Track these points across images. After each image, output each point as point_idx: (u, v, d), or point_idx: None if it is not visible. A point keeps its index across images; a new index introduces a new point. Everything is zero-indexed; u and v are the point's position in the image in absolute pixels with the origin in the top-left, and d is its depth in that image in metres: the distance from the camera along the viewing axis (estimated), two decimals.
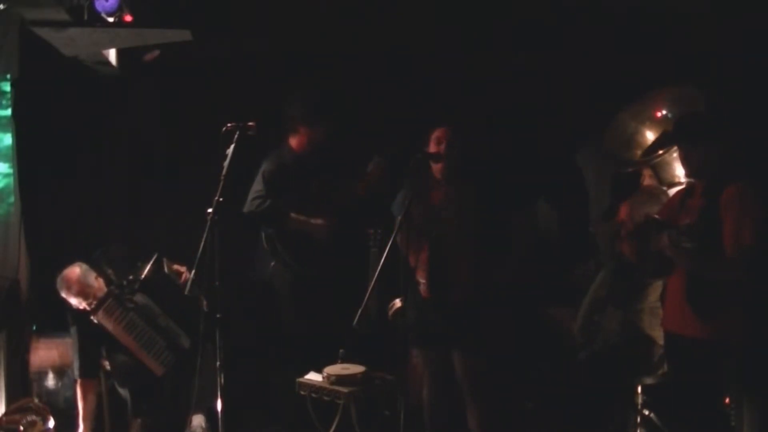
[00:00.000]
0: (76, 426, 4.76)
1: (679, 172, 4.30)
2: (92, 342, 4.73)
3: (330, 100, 4.98)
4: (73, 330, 4.76)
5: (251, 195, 4.77)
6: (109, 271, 4.78)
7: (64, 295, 4.65)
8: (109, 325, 4.64)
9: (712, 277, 3.57)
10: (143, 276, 4.77)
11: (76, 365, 4.76)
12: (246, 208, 4.77)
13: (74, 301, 4.64)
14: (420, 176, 4.06)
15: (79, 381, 4.76)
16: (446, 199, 4.18)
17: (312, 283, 4.82)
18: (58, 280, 4.66)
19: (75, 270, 4.67)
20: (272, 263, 4.89)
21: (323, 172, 4.90)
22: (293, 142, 4.88)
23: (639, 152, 4.58)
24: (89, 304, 4.63)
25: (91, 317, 4.64)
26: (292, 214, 4.77)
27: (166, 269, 4.80)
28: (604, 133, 4.69)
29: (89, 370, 4.75)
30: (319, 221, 4.80)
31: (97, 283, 4.69)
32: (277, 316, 5.00)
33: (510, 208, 4.46)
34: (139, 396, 4.71)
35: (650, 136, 4.58)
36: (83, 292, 4.63)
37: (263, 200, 4.73)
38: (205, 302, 3.92)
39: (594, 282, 4.77)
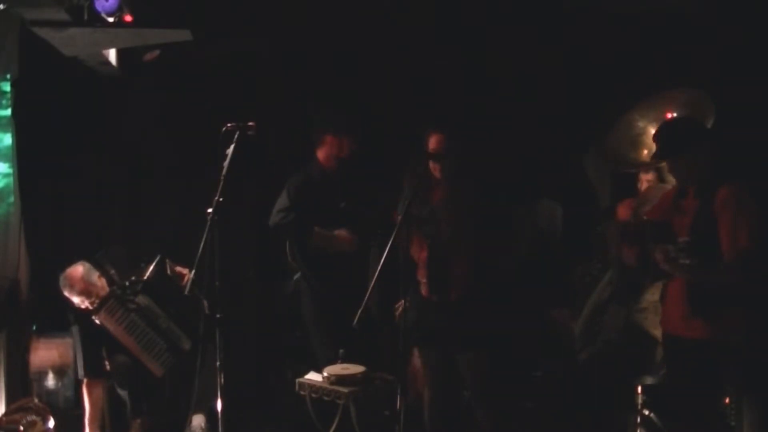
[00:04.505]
0: (82, 427, 4.75)
1: None
2: (94, 341, 4.71)
3: (356, 112, 4.97)
4: (74, 329, 4.76)
5: (276, 207, 4.78)
6: (112, 272, 4.77)
7: (66, 293, 4.64)
8: (110, 326, 4.64)
9: (713, 284, 3.57)
10: (146, 277, 4.77)
11: (80, 365, 4.75)
12: (271, 221, 4.78)
13: (77, 300, 4.63)
14: (420, 176, 4.06)
15: (85, 381, 4.75)
16: (445, 199, 4.18)
17: (333, 302, 4.74)
18: (61, 278, 4.65)
19: (78, 269, 4.66)
20: (295, 276, 4.87)
21: (350, 189, 4.87)
22: (320, 154, 4.85)
23: (645, 152, 4.56)
24: (92, 303, 4.63)
25: (93, 317, 4.63)
26: (317, 228, 4.75)
27: (168, 271, 4.80)
28: (609, 132, 4.67)
29: (94, 370, 4.74)
30: (342, 233, 4.78)
31: (100, 282, 4.68)
32: (300, 328, 5.00)
33: (509, 206, 4.46)
34: (139, 396, 4.71)
35: None
36: (86, 291, 4.63)
37: (287, 213, 4.73)
38: (206, 304, 3.92)
39: (600, 283, 4.75)
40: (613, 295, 4.52)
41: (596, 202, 5.33)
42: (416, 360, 4.61)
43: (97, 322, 4.63)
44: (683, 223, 3.64)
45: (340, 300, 4.66)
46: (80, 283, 4.62)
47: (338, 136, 4.81)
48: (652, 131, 4.48)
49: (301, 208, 4.74)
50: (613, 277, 4.60)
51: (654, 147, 3.79)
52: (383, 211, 4.68)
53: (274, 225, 4.79)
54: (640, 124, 4.56)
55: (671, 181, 4.36)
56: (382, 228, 4.62)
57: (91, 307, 4.63)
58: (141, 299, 4.73)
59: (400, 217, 3.83)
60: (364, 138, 4.91)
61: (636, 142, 4.58)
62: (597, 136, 4.87)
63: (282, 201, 4.79)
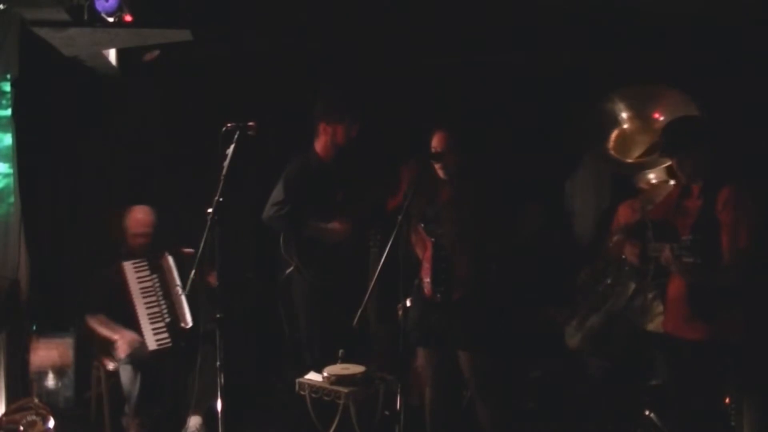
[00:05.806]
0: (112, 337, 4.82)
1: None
2: (105, 291, 4.90)
3: (350, 99, 4.96)
4: (96, 272, 4.97)
5: (271, 200, 4.77)
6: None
7: (126, 222, 4.98)
8: (129, 280, 4.87)
9: (712, 285, 3.58)
10: (183, 250, 5.00)
11: (85, 302, 4.97)
12: (265, 214, 4.77)
13: (132, 224, 4.96)
14: (421, 176, 4.06)
15: (88, 318, 4.91)
16: (449, 199, 4.19)
17: (326, 293, 4.77)
18: (127, 211, 5.01)
19: (145, 206, 5.05)
20: (288, 269, 4.88)
21: (347, 182, 4.86)
22: (318, 146, 4.84)
23: (616, 133, 4.63)
24: (143, 235, 4.94)
25: (122, 263, 4.87)
26: (310, 222, 4.75)
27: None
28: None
29: (95, 308, 4.91)
30: (336, 225, 4.79)
31: (153, 230, 4.98)
32: (291, 321, 5.01)
33: (510, 206, 4.46)
34: (138, 396, 4.71)
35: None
36: (144, 222, 4.98)
37: (281, 206, 4.72)
38: (219, 314, 3.91)
39: (613, 295, 4.71)
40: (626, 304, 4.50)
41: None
42: (419, 360, 4.61)
43: (122, 269, 4.87)
44: (686, 223, 3.65)
45: (334, 291, 4.70)
46: (143, 214, 4.98)
47: (331, 124, 4.80)
48: (625, 115, 4.54)
49: (296, 201, 4.73)
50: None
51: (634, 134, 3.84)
52: (379, 200, 4.70)
53: (267, 218, 4.77)
54: (614, 107, 4.62)
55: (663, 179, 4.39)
56: (377, 218, 4.67)
57: (142, 242, 4.95)
58: (168, 262, 4.98)
59: (399, 218, 3.83)
60: (362, 126, 4.86)
61: (613, 129, 4.65)
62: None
63: (277, 194, 4.77)
